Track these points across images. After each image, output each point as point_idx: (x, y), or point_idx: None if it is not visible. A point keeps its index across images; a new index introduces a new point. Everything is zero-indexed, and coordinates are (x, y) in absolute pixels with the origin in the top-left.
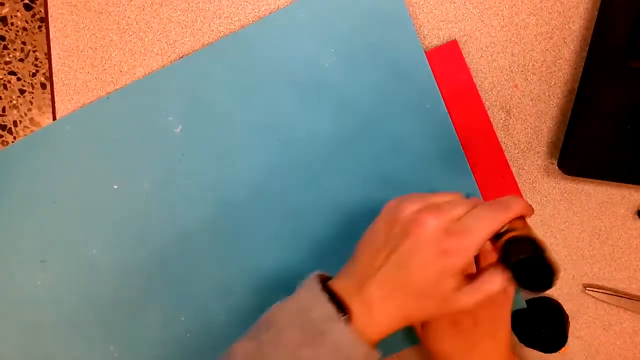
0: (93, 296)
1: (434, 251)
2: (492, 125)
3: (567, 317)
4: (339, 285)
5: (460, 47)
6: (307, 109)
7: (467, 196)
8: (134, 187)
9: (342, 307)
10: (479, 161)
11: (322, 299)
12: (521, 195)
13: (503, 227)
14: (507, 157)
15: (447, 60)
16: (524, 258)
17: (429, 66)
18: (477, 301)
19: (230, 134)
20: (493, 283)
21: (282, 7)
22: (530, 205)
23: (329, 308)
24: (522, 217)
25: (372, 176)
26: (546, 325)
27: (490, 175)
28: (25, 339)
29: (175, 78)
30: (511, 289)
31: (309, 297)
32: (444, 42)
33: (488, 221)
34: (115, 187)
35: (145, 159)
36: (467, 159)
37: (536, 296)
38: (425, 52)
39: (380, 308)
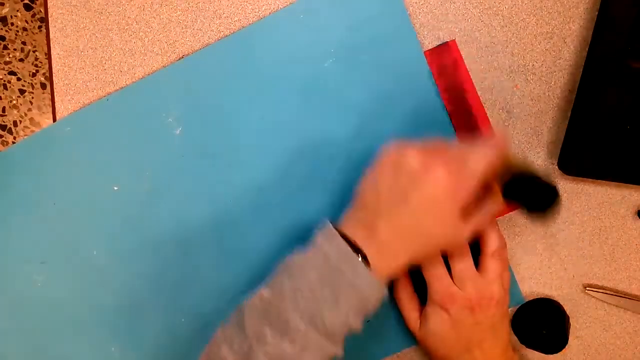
0: (94, 297)
1: (445, 197)
2: (492, 125)
3: (568, 318)
4: (350, 230)
5: (460, 47)
6: (306, 108)
7: None
8: (134, 189)
9: (356, 250)
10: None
11: (339, 242)
12: None
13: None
14: None
15: (446, 60)
16: (527, 185)
17: (428, 66)
18: (474, 230)
19: (230, 135)
20: (488, 209)
21: (282, 7)
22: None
23: (346, 249)
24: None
25: None
26: (547, 326)
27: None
28: (26, 340)
29: (175, 79)
30: (507, 282)
31: (325, 241)
32: (444, 42)
33: (485, 163)
34: (115, 188)
35: (145, 160)
36: None
37: (541, 218)
38: (425, 52)
39: (390, 250)
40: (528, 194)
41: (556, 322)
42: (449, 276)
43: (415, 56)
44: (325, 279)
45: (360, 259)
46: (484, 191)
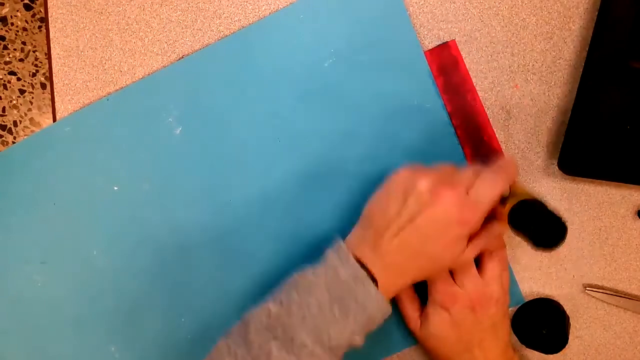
0: (94, 297)
1: (451, 222)
2: (491, 125)
3: (568, 318)
4: (358, 249)
5: (460, 47)
6: (306, 109)
7: None
8: (134, 189)
9: (365, 269)
10: (479, 161)
11: (352, 262)
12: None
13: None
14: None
15: (446, 59)
16: (536, 218)
17: (428, 66)
18: (478, 252)
19: (230, 135)
20: (493, 233)
21: (282, 7)
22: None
23: (357, 270)
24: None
25: (372, 175)
26: (547, 326)
27: None
28: (25, 340)
29: (175, 79)
30: (506, 282)
31: (338, 260)
32: (444, 42)
33: (493, 190)
34: (115, 188)
35: (145, 160)
36: (466, 158)
37: (546, 251)
38: (425, 53)
39: (396, 269)
40: (535, 225)
41: (556, 322)
42: (450, 276)
43: (415, 56)
44: (335, 297)
45: (371, 281)
46: (489, 215)
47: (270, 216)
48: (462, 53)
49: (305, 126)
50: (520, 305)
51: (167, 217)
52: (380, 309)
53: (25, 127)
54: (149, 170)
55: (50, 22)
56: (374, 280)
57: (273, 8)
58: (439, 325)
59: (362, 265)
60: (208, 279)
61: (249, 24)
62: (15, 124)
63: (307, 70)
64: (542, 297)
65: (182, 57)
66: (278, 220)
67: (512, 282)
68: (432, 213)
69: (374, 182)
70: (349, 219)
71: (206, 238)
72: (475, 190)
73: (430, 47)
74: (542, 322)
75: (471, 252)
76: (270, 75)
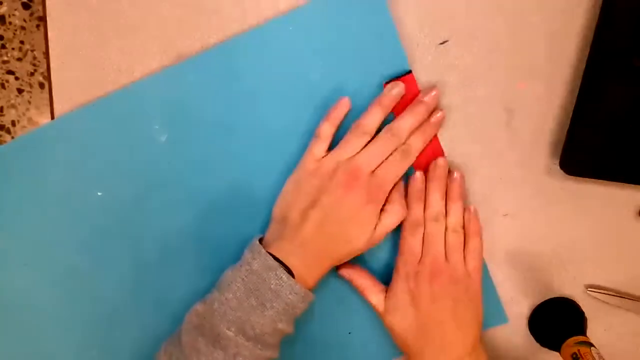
0: (75, 302)
1: (360, 203)
2: (443, 153)
3: (586, 318)
4: (274, 244)
5: (461, 46)
6: (294, 119)
7: None
8: (118, 195)
9: (280, 262)
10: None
11: (262, 253)
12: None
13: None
14: (507, 158)
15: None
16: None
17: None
18: (392, 225)
19: (215, 144)
20: (398, 210)
21: (282, 6)
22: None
23: (268, 260)
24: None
25: None
26: (565, 326)
27: None
28: (5, 343)
29: (162, 87)
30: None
31: (249, 253)
32: (445, 40)
33: (396, 170)
34: (99, 194)
35: (130, 166)
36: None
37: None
38: (383, 84)
39: (315, 257)
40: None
41: (574, 322)
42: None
43: (401, 70)
44: (250, 289)
45: (282, 267)
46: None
47: (255, 224)
48: (463, 52)
49: (292, 136)
50: (537, 305)
51: (151, 223)
52: (296, 295)
53: (24, 126)
54: (134, 176)
55: (48, 21)
56: (289, 270)
57: (273, 8)
58: (401, 301)
59: (276, 258)
60: (190, 285)
61: (249, 23)
62: (13, 123)
63: (295, 82)
64: (560, 297)
65: (181, 57)
66: (263, 228)
67: (495, 302)
68: (342, 199)
69: None
70: None
71: (189, 245)
72: (377, 173)
73: (433, 45)
74: (560, 322)
75: (383, 226)
76: (257, 86)
